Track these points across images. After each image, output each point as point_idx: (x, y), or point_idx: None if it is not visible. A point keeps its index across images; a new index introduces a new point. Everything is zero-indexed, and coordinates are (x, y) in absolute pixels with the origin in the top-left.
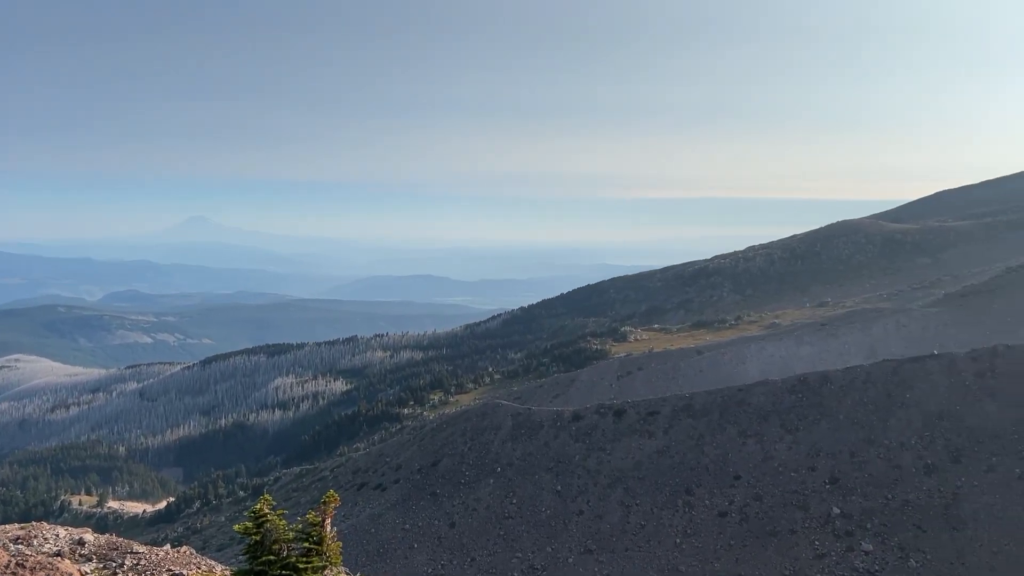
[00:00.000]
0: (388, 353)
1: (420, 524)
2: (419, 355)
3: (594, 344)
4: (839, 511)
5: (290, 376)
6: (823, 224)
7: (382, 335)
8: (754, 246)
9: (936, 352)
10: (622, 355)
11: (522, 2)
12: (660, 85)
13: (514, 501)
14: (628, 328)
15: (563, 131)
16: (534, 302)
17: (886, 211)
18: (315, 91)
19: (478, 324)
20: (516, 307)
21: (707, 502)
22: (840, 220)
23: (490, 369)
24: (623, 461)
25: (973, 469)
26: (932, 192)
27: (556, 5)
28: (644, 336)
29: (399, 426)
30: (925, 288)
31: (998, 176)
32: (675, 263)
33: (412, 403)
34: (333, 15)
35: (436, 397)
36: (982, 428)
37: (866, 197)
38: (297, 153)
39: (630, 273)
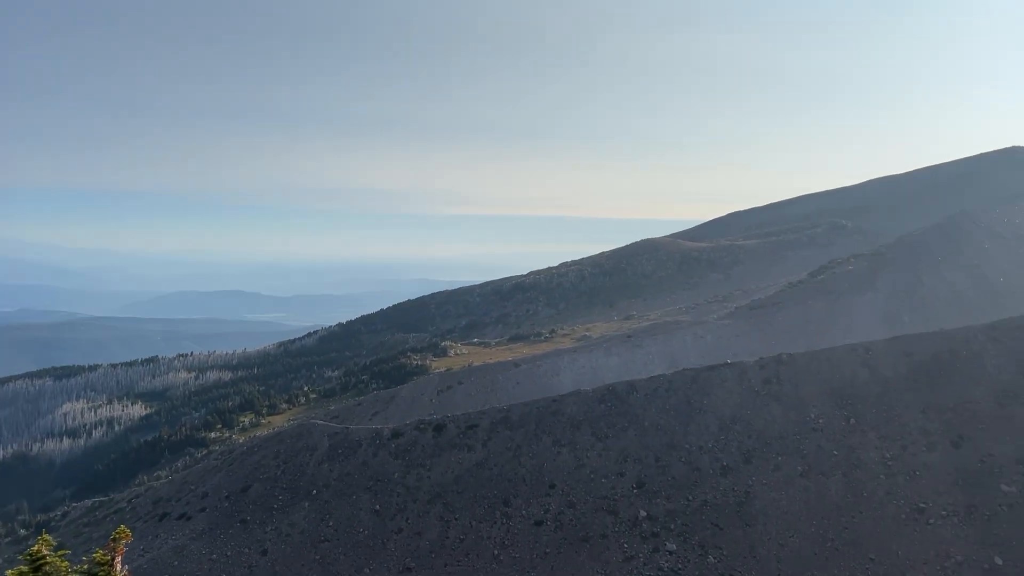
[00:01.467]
0: (193, 374)
1: (229, 554)
2: (228, 375)
3: (414, 360)
4: (645, 514)
5: (81, 401)
6: (629, 242)
7: (186, 355)
8: (567, 262)
9: (729, 361)
10: (442, 370)
11: (336, 11)
12: (480, 103)
13: (331, 523)
14: (448, 343)
15: (383, 145)
16: (353, 318)
17: (684, 230)
18: (113, 94)
19: (292, 341)
20: (334, 323)
21: (524, 512)
22: (644, 238)
23: (305, 388)
24: (443, 476)
25: (762, 469)
26: (725, 213)
27: (374, 14)
28: (464, 350)
29: (205, 451)
30: (719, 302)
31: (780, 200)
32: (494, 278)
33: (220, 426)
34: (128, 14)
35: (247, 419)
36: (769, 430)
37: (668, 216)
38: (91, 160)
39: (450, 288)
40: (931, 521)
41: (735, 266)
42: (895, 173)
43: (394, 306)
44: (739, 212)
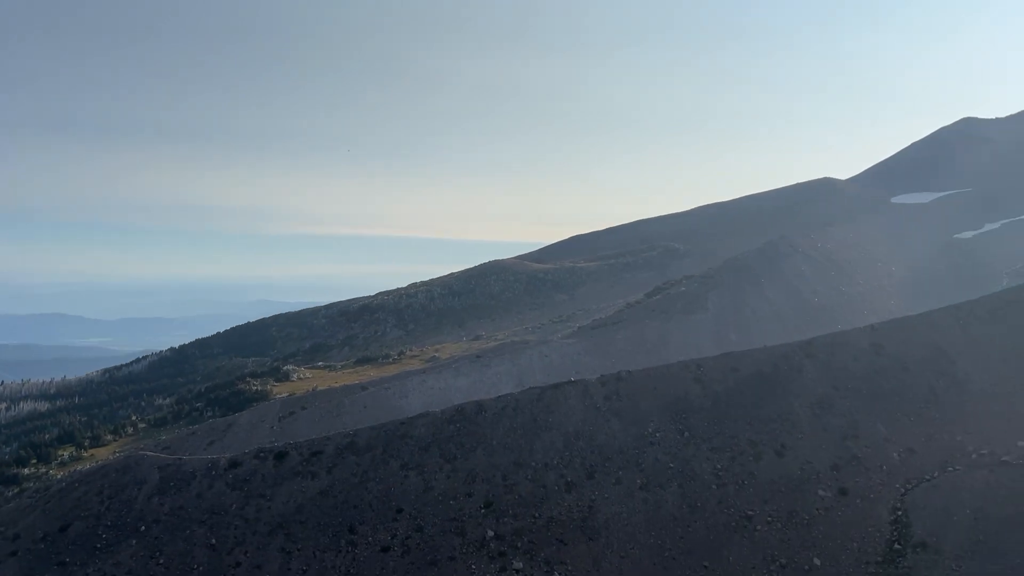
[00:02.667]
0: (4, 405)
1: None
2: (45, 406)
3: (254, 385)
4: (493, 533)
5: None
6: (477, 263)
7: None
8: (416, 283)
9: (573, 379)
10: (284, 395)
11: (164, 10)
12: (328, 120)
13: (161, 561)
14: (291, 367)
15: (223, 161)
16: (187, 342)
17: (530, 252)
18: None
19: (119, 368)
20: (166, 348)
21: (370, 538)
22: (492, 260)
23: (134, 418)
24: (285, 506)
25: (604, 483)
26: (568, 236)
27: (209, 14)
28: (308, 375)
29: (17, 489)
30: (563, 321)
31: (619, 224)
32: (340, 299)
33: (35, 461)
34: None
35: (66, 453)
36: (610, 445)
37: (514, 239)
38: None
39: (294, 310)
40: (758, 528)
41: (578, 287)
42: (723, 200)
43: (233, 329)
44: (581, 235)
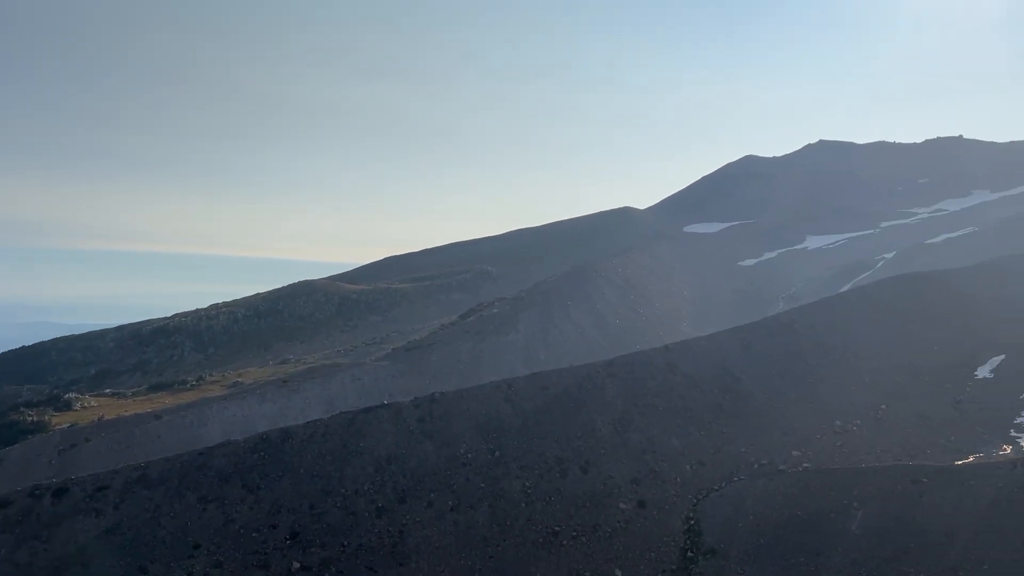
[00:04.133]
0: None
1: None
2: None
3: (30, 416)
4: (299, 565)
5: None
6: (286, 284)
7: None
8: (217, 304)
9: (386, 401)
10: (65, 426)
11: None
12: (118, 128)
13: None
14: (73, 395)
15: None
16: None
17: (343, 272)
18: None
19: None
20: None
21: None
22: (302, 280)
23: None
24: (64, 547)
25: (416, 506)
26: (383, 257)
27: None
28: (94, 403)
29: None
30: (377, 343)
31: (434, 246)
32: (130, 321)
33: None
34: None
35: None
36: (423, 468)
37: (328, 259)
38: None
39: (77, 332)
40: (564, 543)
41: (392, 308)
42: (534, 225)
43: (3, 354)
44: (396, 256)
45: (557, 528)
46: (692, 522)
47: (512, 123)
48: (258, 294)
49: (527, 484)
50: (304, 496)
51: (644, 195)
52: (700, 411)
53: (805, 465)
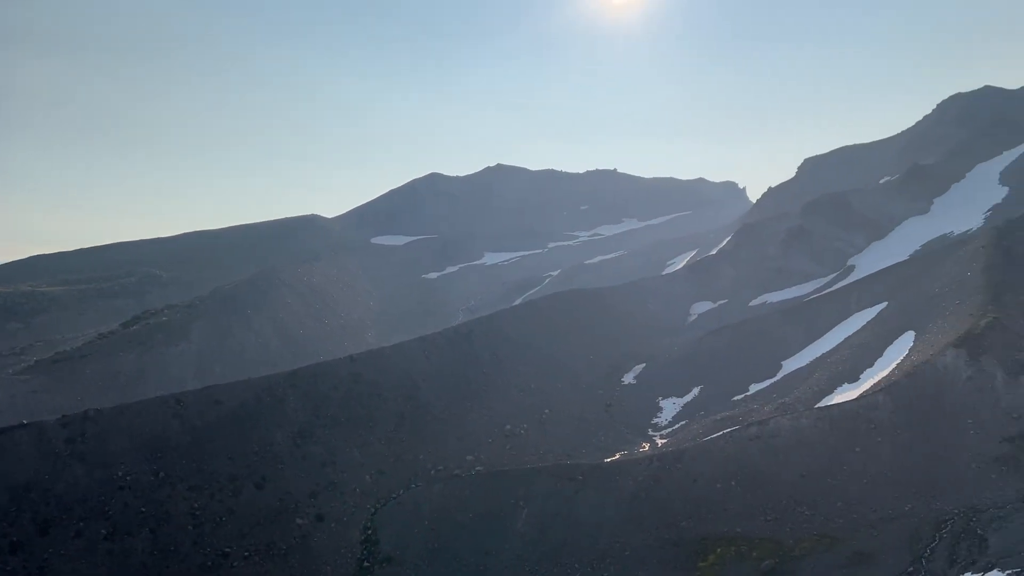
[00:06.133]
0: None
1: None
2: None
3: None
4: None
5: None
6: None
7: None
8: None
9: (25, 422)
10: None
11: None
12: None
13: None
14: None
15: None
16: None
17: None
18: None
19: None
20: None
21: None
22: None
23: None
24: None
25: (62, 537)
26: (26, 256)
27: None
28: None
29: None
30: (16, 355)
31: (92, 246)
32: None
33: None
34: None
35: None
36: (72, 494)
37: None
38: None
39: None
40: (235, 564)
41: (38, 315)
42: (212, 228)
43: None
44: (43, 256)
45: (227, 550)
46: (369, 532)
47: (193, 116)
48: None
49: (195, 505)
50: None
51: (332, 204)
52: (382, 420)
53: (478, 468)
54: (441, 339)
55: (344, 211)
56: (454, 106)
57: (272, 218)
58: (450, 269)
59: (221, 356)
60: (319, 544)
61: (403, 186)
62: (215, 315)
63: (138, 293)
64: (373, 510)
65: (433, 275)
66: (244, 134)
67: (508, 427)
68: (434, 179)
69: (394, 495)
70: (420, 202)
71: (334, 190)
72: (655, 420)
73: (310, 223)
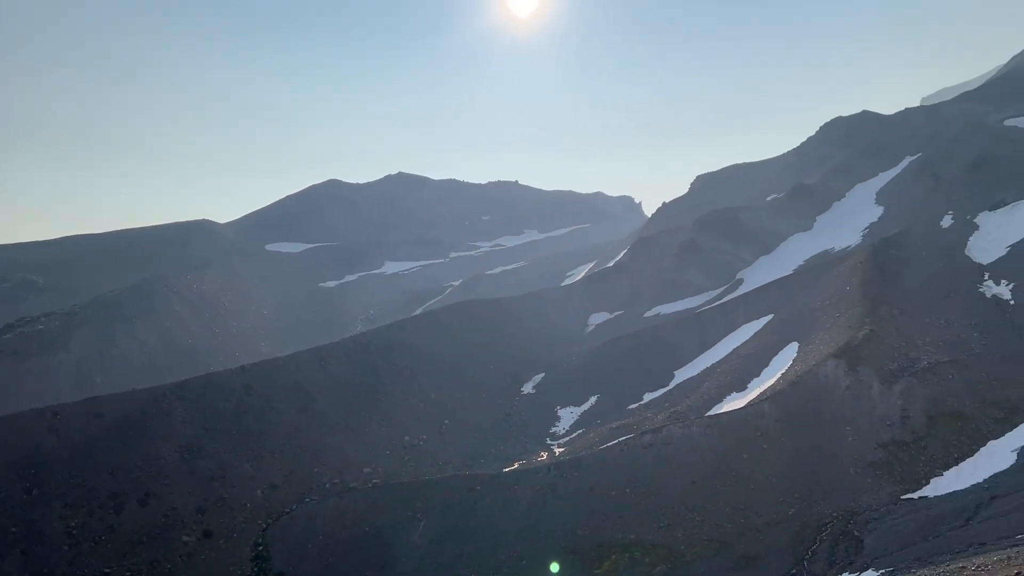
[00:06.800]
0: None
1: None
2: None
3: None
4: None
5: None
6: None
7: None
8: None
9: None
10: None
11: None
12: None
13: None
14: None
15: None
16: None
17: None
18: None
19: None
20: None
21: None
22: None
23: None
24: None
25: None
26: None
27: None
28: None
29: None
30: None
31: None
32: None
33: None
34: None
35: None
36: None
37: None
38: None
39: None
40: None
41: None
42: (95, 232)
43: None
44: None
45: (107, 570)
46: (260, 548)
47: (73, 111)
48: None
49: (72, 524)
50: None
51: (225, 209)
52: (276, 433)
53: (375, 481)
54: (339, 349)
55: (238, 216)
56: (356, 112)
57: (160, 223)
58: (349, 278)
59: (103, 367)
60: (207, 562)
61: (301, 192)
62: (97, 324)
63: (12, 300)
64: (265, 525)
65: (331, 284)
66: (130, 133)
67: (407, 438)
68: (334, 185)
69: (287, 510)
70: (319, 209)
71: (227, 194)
72: (553, 429)
73: (201, 228)
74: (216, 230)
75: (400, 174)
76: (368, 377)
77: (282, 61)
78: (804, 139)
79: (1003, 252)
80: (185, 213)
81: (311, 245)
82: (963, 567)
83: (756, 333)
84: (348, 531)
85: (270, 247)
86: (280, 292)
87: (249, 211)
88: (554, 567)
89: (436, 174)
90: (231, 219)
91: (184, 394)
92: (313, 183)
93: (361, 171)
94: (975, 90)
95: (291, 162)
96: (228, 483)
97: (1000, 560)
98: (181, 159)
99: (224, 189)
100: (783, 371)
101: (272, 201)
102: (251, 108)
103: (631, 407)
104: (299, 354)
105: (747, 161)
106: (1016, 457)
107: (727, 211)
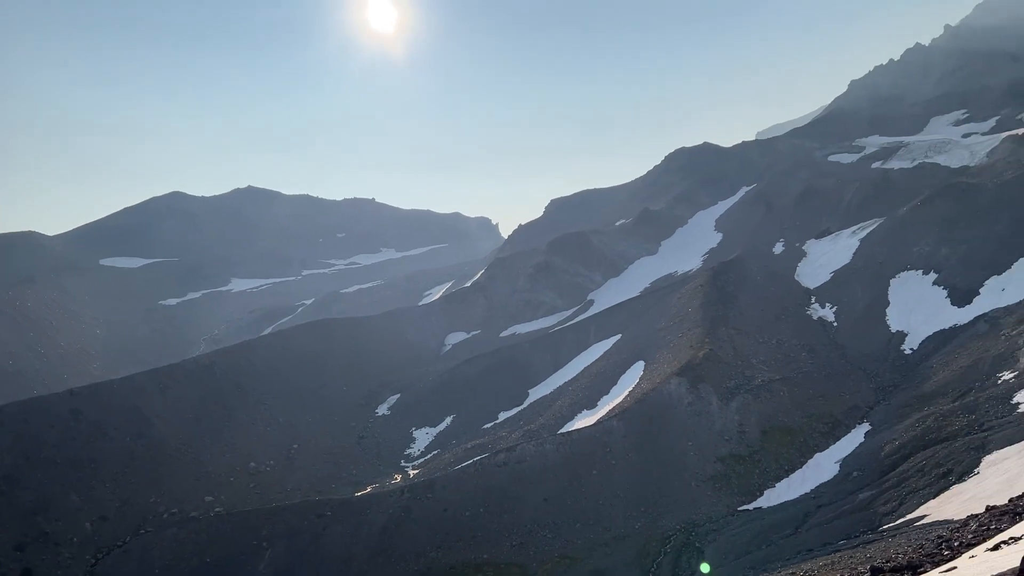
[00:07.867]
0: None
1: None
2: None
3: None
4: None
5: None
6: None
7: None
8: None
9: None
10: None
11: None
12: None
13: None
14: None
15: None
16: None
17: None
18: None
19: None
20: None
21: None
22: None
23: None
24: None
25: None
26: None
27: None
28: None
29: None
30: None
31: None
32: None
33: None
34: None
35: None
36: None
37: None
38: None
39: None
40: None
41: None
42: None
43: None
44: None
45: None
46: None
47: None
48: None
49: None
50: None
51: (53, 220)
52: (107, 461)
53: (218, 510)
54: (179, 371)
55: (67, 228)
56: (204, 124)
57: None
58: (192, 295)
59: None
60: None
61: (139, 204)
62: None
63: None
64: (93, 561)
65: (172, 302)
66: None
67: (252, 464)
68: (176, 198)
69: (119, 543)
70: (159, 222)
71: (56, 205)
72: (408, 451)
73: (25, 240)
74: (43, 243)
75: (249, 188)
76: (211, 401)
77: (119, 64)
78: (651, 167)
79: (827, 277)
80: (7, 224)
81: (150, 260)
82: (792, 573)
83: (606, 352)
84: (187, 563)
85: (105, 262)
86: (115, 310)
87: (81, 223)
88: None
89: (288, 189)
90: (60, 231)
91: (2, 420)
92: (154, 195)
93: (208, 184)
94: (803, 127)
95: (130, 173)
96: (51, 516)
97: (825, 565)
98: (5, 168)
99: (54, 199)
100: (630, 389)
101: (107, 213)
102: (86, 114)
103: (486, 426)
104: (135, 376)
105: (598, 187)
106: (839, 468)
107: (579, 234)
